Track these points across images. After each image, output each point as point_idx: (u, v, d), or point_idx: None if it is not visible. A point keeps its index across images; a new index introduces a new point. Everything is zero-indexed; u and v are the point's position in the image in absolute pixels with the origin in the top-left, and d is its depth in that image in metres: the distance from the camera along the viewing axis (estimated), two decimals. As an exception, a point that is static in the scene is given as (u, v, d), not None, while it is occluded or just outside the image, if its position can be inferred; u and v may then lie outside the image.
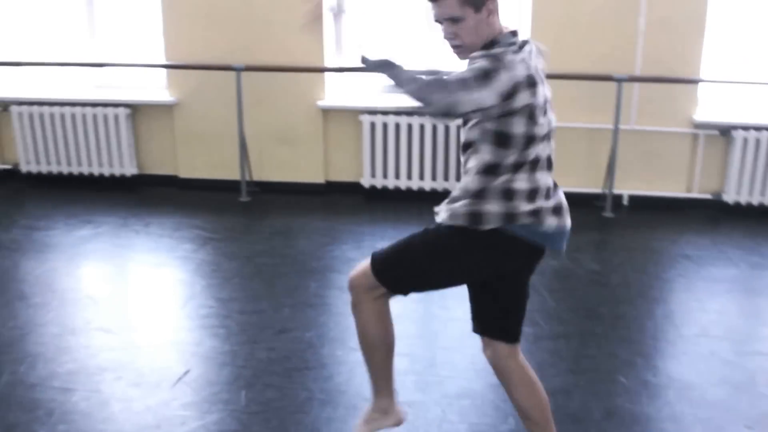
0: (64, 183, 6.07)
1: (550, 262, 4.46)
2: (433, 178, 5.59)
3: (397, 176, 5.65)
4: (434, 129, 5.46)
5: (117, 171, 6.01)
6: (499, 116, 2.16)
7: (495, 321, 2.50)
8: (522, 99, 2.14)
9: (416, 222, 5.18)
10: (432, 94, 2.07)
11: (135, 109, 5.93)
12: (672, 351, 3.56)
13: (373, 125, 5.56)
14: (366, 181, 5.71)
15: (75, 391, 3.20)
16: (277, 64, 5.50)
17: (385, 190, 5.72)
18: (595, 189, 5.51)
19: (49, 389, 3.21)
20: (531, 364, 3.26)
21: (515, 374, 2.52)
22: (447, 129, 5.46)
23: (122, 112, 5.85)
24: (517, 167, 2.24)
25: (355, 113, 5.63)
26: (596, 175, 5.48)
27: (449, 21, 2.23)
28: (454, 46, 2.28)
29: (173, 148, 5.98)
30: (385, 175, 5.68)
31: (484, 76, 2.09)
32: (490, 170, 2.25)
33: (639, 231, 5.14)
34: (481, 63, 2.12)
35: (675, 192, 5.53)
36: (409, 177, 5.64)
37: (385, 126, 5.54)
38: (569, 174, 5.41)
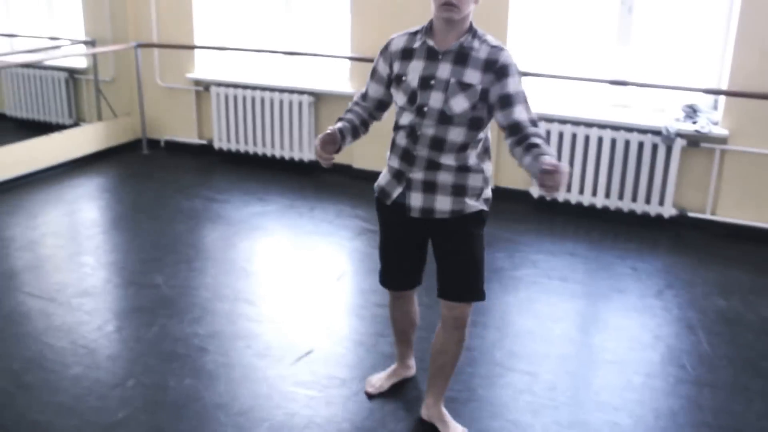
0: (248, 161, 6.42)
1: (717, 301, 4.09)
2: (607, 195, 5.31)
3: (569, 189, 5.43)
4: (612, 144, 5.19)
5: (296, 155, 6.26)
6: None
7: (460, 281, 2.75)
8: None
9: (580, 239, 5.03)
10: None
11: (318, 98, 6.15)
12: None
13: (548, 133, 5.38)
14: (536, 191, 5.54)
15: (208, 352, 3.38)
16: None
17: (554, 202, 5.52)
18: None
19: (188, 346, 3.43)
20: (663, 408, 3.04)
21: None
22: (627, 145, 5.16)
23: (306, 99, 6.08)
24: (487, 148, 2.67)
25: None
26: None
27: None
28: (449, 3, 2.43)
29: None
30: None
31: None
32: (486, 153, 2.66)
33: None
34: (514, 65, 2.51)
35: None
36: (581, 191, 5.40)
37: (561, 135, 5.34)
38: (764, 206, 4.94)
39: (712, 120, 5.06)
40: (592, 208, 5.39)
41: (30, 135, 6.13)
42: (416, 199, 2.63)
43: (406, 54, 2.60)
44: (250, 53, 6.39)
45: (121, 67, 6.76)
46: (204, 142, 6.68)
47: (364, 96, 2.78)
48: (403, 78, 2.58)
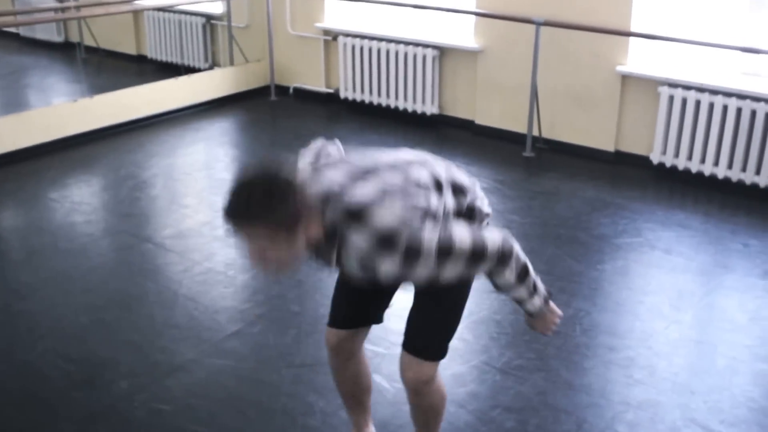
0: (372, 112, 6.56)
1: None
2: (729, 166, 5.08)
3: (690, 157, 5.23)
4: (737, 113, 4.94)
5: (419, 108, 6.34)
6: None
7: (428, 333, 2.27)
8: None
9: (695, 209, 4.87)
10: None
11: (442, 52, 6.17)
12: None
13: (671, 99, 5.18)
14: (656, 157, 5.37)
15: (287, 300, 3.58)
16: (580, 23, 5.34)
17: (674, 169, 5.33)
18: None
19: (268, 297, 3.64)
20: (740, 395, 2.98)
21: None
22: (753, 115, 4.89)
23: (431, 53, 6.12)
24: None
25: (655, 83, 5.29)
26: None
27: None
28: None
29: (473, 93, 6.14)
30: (677, 155, 5.29)
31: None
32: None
33: None
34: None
35: None
36: (703, 161, 5.18)
37: (684, 101, 5.13)
38: None
39: None
40: (712, 178, 5.17)
41: (167, 77, 6.54)
42: None
43: None
44: (379, 5, 6.47)
45: (254, 14, 7.03)
46: (330, 90, 6.87)
47: None
48: None
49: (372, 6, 6.53)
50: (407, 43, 6.24)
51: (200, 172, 5.29)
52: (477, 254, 1.90)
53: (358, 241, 1.83)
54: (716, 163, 5.13)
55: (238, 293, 3.71)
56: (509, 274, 1.99)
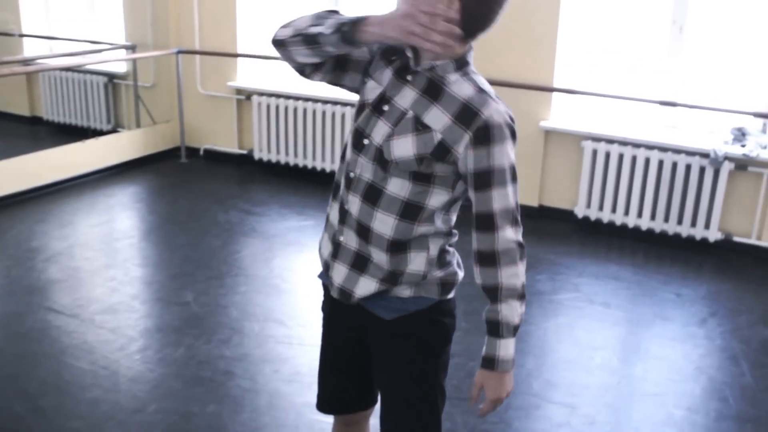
0: (288, 172, 6.37)
1: (762, 331, 3.94)
2: (652, 217, 5.15)
3: (614, 210, 5.28)
4: (659, 165, 5.03)
5: (337, 167, 6.19)
6: None
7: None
8: None
9: (623, 262, 4.90)
10: None
11: (360, 110, 6.07)
12: None
13: (595, 152, 5.24)
14: (580, 211, 5.40)
15: (234, 376, 3.32)
16: (503, 79, 5.36)
17: (598, 222, 5.37)
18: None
19: (214, 369, 3.37)
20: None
21: None
22: (674, 167, 5.00)
23: (348, 111, 6.01)
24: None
25: (578, 138, 5.34)
26: None
27: None
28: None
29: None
30: (601, 207, 5.33)
31: None
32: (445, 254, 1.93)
33: None
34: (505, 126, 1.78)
35: None
36: (626, 213, 5.24)
37: (607, 155, 5.20)
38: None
39: (761, 143, 4.88)
40: (636, 229, 5.23)
41: (66, 140, 6.14)
42: (338, 273, 1.89)
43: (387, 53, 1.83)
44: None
45: (161, 74, 6.77)
46: (244, 151, 6.66)
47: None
48: (366, 81, 1.84)
49: (287, 64, 6.39)
50: (324, 102, 6.12)
51: (120, 241, 4.94)
52: (516, 217, 1.78)
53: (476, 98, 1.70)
54: (639, 215, 5.20)
55: (181, 370, 3.39)
56: (519, 276, 1.77)
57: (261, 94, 6.35)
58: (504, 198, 1.73)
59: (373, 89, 1.80)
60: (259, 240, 4.98)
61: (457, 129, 1.69)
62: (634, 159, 5.12)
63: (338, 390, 2.06)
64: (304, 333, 3.74)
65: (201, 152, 6.82)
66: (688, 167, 4.97)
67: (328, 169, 6.23)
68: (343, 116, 6.04)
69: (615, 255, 5.09)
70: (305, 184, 6.15)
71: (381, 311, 1.85)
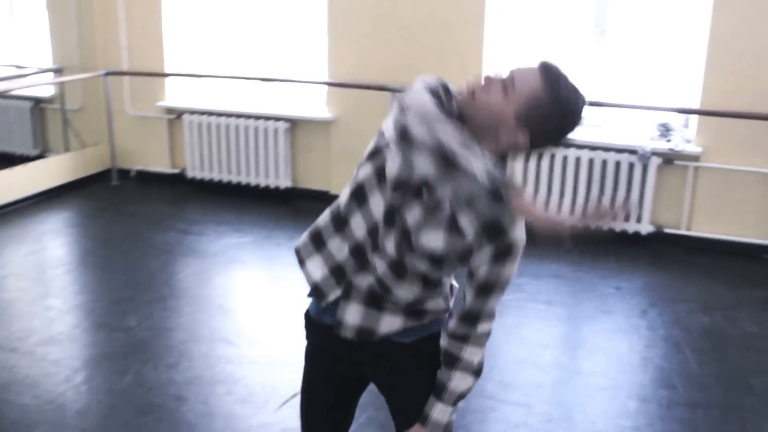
0: (224, 190, 6.30)
1: (700, 318, 4.08)
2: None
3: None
4: (590, 164, 5.16)
5: (272, 183, 6.16)
6: None
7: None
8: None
9: (562, 260, 4.97)
10: None
11: (294, 124, 6.06)
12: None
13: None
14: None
15: (186, 400, 3.26)
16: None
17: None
18: (765, 240, 4.98)
19: (164, 395, 3.29)
20: (655, 435, 2.99)
21: None
22: (604, 165, 5.13)
23: (282, 126, 5.99)
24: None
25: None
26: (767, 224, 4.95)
27: None
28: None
29: (327, 164, 6.06)
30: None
31: None
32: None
33: (814, 293, 4.59)
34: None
35: None
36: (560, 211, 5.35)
37: (539, 157, 5.30)
38: (736, 221, 4.96)
39: (685, 138, 5.07)
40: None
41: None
42: (353, 313, 1.83)
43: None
44: (224, 80, 6.29)
45: (89, 96, 6.61)
46: (177, 171, 6.55)
47: None
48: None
49: (217, 81, 6.34)
50: (257, 117, 6.08)
51: (55, 269, 4.79)
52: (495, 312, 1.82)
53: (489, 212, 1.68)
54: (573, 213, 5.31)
55: (130, 399, 3.30)
56: (480, 355, 1.81)
57: (192, 112, 6.28)
58: (496, 301, 1.78)
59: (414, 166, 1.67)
60: (198, 260, 4.91)
61: (484, 239, 1.71)
62: (565, 159, 5.24)
63: (329, 426, 2.02)
64: (254, 351, 3.70)
65: (133, 174, 6.69)
66: (618, 164, 5.12)
67: (262, 185, 6.18)
68: (275, 131, 6.01)
69: (554, 253, 5.18)
70: (241, 201, 6.10)
71: (401, 337, 1.86)
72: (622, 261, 4.94)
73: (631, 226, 5.16)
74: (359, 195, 1.79)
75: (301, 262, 1.90)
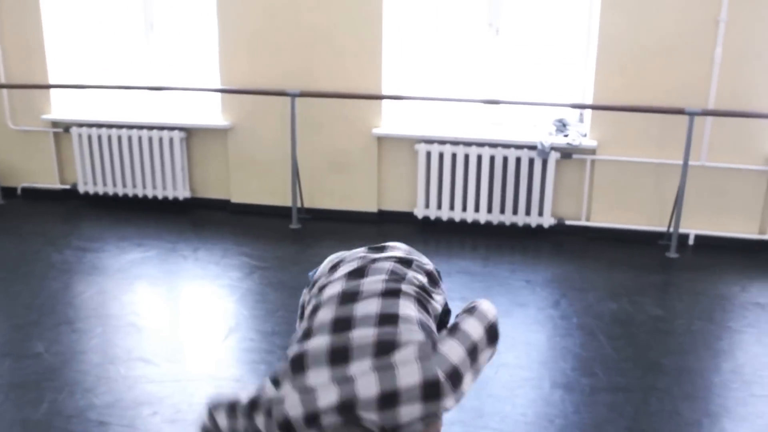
0: (120, 204, 6.08)
1: (609, 305, 4.25)
2: (489, 211, 5.41)
3: (452, 207, 5.48)
4: (491, 161, 5.29)
5: (170, 194, 5.99)
6: None
7: None
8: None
9: (469, 256, 5.10)
10: None
11: (190, 133, 5.91)
12: (742, 412, 3.29)
13: (428, 154, 5.41)
14: (419, 212, 5.56)
15: (109, 425, 3.11)
16: (333, 90, 5.42)
17: (438, 221, 5.57)
18: (660, 227, 5.25)
19: (85, 421, 3.13)
20: (588, 421, 3.09)
21: None
22: (505, 161, 5.27)
23: (177, 135, 5.83)
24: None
25: (411, 142, 5.50)
26: (661, 212, 5.22)
27: None
28: None
29: (226, 172, 5.94)
30: (439, 206, 5.52)
31: None
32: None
33: (706, 274, 4.85)
34: None
35: (746, 233, 5.23)
36: (464, 209, 5.46)
37: (441, 155, 5.39)
38: (632, 210, 5.20)
39: (581, 132, 5.26)
40: (476, 224, 5.47)
41: None
42: None
43: None
44: (114, 90, 6.06)
45: (-36, 113, 6.24)
46: (67, 186, 6.26)
47: None
48: None
49: (107, 92, 6.11)
50: (150, 128, 5.89)
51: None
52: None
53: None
54: (477, 210, 5.44)
55: (48, 429, 3.10)
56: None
57: (80, 124, 6.02)
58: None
59: None
60: (102, 277, 4.70)
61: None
62: (466, 157, 5.34)
63: None
64: (176, 369, 3.58)
65: (19, 191, 6.34)
66: (518, 160, 5.26)
67: (160, 196, 6.00)
68: (170, 140, 5.84)
69: (460, 250, 5.28)
70: (139, 214, 5.89)
71: None
72: (527, 254, 5.09)
73: (534, 220, 5.32)
74: None
75: None
